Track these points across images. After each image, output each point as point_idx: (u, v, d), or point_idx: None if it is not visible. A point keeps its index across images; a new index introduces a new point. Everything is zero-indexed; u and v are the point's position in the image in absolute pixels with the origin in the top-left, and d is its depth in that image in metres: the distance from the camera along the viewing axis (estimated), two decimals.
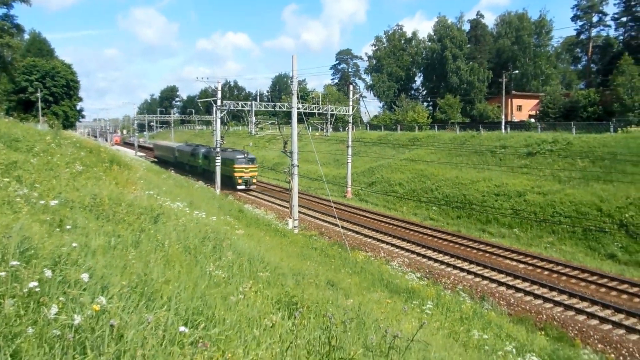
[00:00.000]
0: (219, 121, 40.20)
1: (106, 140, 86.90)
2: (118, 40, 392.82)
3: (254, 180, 49.28)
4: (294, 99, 28.40)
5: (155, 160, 71.44)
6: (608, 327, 17.29)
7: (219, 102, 38.59)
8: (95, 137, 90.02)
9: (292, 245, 18.72)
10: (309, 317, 5.48)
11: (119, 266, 4.82)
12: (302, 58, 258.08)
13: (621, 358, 15.22)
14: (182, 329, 3.47)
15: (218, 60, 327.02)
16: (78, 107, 71.73)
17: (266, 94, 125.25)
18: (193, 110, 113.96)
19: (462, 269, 23.79)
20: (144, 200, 10.17)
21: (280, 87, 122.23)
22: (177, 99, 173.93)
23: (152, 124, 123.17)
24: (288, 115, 36.58)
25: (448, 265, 24.54)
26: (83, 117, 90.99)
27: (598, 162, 32.64)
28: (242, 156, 48.40)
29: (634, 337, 16.45)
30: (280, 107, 42.30)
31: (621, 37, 74.27)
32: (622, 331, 16.87)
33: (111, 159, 17.21)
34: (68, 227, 5.77)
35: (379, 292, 13.13)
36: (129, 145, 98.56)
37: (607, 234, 26.14)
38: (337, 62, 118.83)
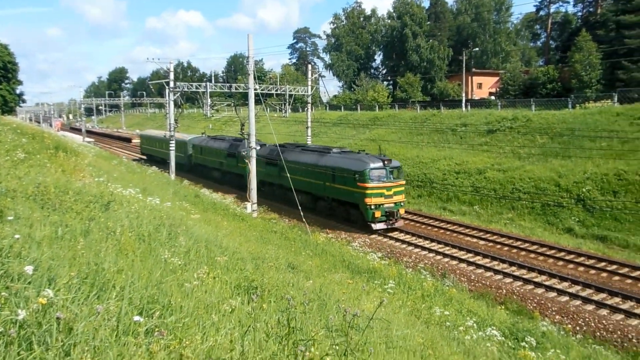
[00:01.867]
0: (172, 104, 39.09)
1: (50, 125, 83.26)
2: (61, 19, 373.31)
3: (402, 211, 27.40)
4: (251, 79, 27.94)
5: (144, 158, 56.46)
6: (565, 298, 17.92)
7: (171, 84, 37.52)
8: (39, 122, 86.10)
9: (251, 229, 18.59)
10: (269, 301, 5.44)
11: (67, 257, 4.62)
12: (258, 37, 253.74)
13: (577, 328, 15.91)
14: (136, 318, 3.37)
15: (170, 40, 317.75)
16: (18, 91, 68.01)
17: (221, 74, 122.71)
18: (144, 93, 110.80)
19: (423, 248, 24.07)
20: (94, 188, 9.83)
21: (236, 67, 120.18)
22: (126, 81, 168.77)
23: (100, 107, 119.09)
24: (245, 96, 35.85)
25: (409, 244, 24.78)
26: (24, 101, 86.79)
27: (556, 138, 33.50)
28: (379, 164, 26.36)
29: (589, 307, 17.16)
30: (236, 88, 41.43)
31: (579, 14, 75.15)
32: (578, 302, 17.53)
33: (56, 146, 16.57)
34: (9, 218, 5.50)
35: (340, 273, 13.22)
36: (76, 130, 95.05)
37: (565, 208, 27.03)
38: (295, 41, 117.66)
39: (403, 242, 25.19)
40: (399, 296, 12.66)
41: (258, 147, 36.65)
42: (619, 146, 29.70)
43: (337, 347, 3.92)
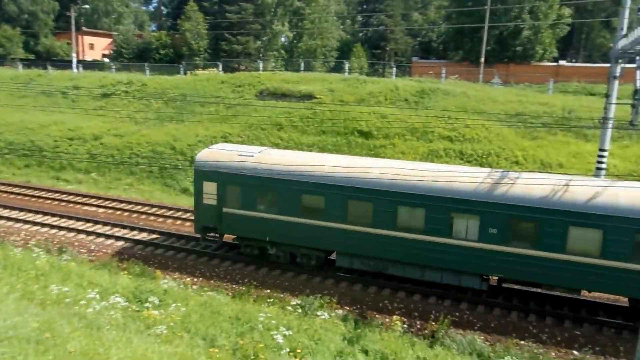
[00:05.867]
0: None
1: None
2: None
3: None
4: None
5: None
6: (183, 254, 19.27)
7: None
8: None
9: None
10: None
11: None
12: None
13: (195, 279, 17.36)
14: None
15: None
16: None
17: None
18: None
19: (34, 223, 22.00)
20: None
21: None
22: None
23: None
24: None
25: (17, 220, 22.27)
26: None
27: (171, 103, 35.61)
28: None
29: (203, 259, 18.90)
30: None
31: None
32: (194, 256, 19.11)
33: None
34: None
35: None
36: None
37: (181, 170, 29.10)
38: None
39: (9, 219, 22.45)
40: (6, 281, 11.68)
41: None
42: (224, 111, 33.82)
43: None
